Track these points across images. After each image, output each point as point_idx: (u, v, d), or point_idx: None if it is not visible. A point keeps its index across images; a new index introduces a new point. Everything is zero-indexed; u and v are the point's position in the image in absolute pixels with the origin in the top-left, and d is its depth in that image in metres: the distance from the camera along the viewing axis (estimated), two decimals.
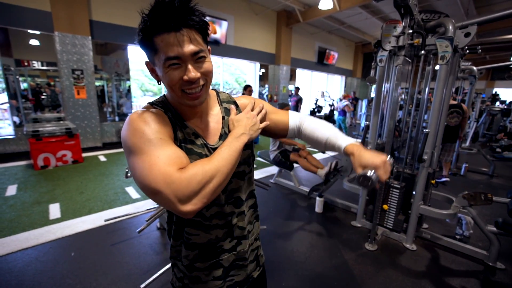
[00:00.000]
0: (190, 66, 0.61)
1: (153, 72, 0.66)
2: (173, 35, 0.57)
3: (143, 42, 0.61)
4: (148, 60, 0.66)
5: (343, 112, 8.57)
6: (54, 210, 2.86)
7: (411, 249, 2.37)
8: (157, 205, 2.53)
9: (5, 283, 1.82)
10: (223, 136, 0.75)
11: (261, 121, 0.80)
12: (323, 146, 0.82)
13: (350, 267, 2.12)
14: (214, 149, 0.71)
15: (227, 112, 0.79)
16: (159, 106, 0.69)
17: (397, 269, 2.12)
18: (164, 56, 0.59)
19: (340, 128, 8.22)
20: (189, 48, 0.59)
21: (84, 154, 5.02)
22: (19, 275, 1.89)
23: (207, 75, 0.65)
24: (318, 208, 3.08)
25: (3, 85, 5.03)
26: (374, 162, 0.67)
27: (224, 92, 0.85)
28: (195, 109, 0.72)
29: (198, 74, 0.62)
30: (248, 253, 0.84)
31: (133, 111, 7.16)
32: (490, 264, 2.17)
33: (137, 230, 2.26)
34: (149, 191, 0.56)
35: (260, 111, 0.80)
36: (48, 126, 4.37)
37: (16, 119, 5.06)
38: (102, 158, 5.00)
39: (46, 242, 2.30)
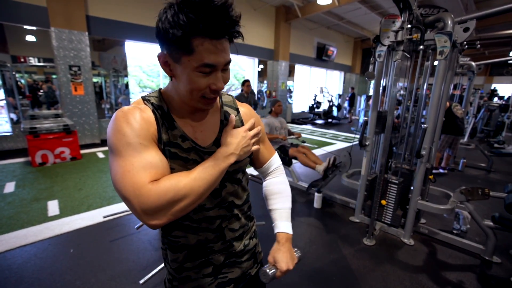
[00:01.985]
0: (219, 76, 0.60)
1: (166, 66, 0.61)
2: (215, 43, 0.55)
3: (176, 39, 0.54)
4: (165, 53, 0.59)
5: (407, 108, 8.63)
6: (53, 207, 2.86)
7: (409, 244, 2.39)
8: None
9: (4, 279, 1.82)
10: (217, 142, 0.71)
11: (255, 143, 0.75)
12: (268, 210, 0.87)
13: (349, 262, 2.14)
14: (205, 152, 0.69)
15: (227, 116, 0.76)
16: (150, 103, 0.66)
17: (395, 263, 2.14)
18: (201, 61, 0.56)
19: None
20: (225, 58, 0.58)
21: (82, 151, 5.00)
22: (19, 272, 1.90)
23: (226, 84, 0.65)
24: (317, 203, 3.09)
25: None
26: (281, 266, 0.77)
27: (228, 95, 0.81)
28: (191, 107, 0.68)
29: (224, 85, 0.62)
30: (242, 252, 0.83)
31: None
32: (487, 258, 2.20)
33: (136, 227, 2.28)
34: (120, 195, 0.56)
35: (257, 134, 0.74)
36: (46, 123, 4.35)
37: (13, 116, 5.04)
38: (101, 155, 4.99)
39: (45, 238, 2.30)
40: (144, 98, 0.67)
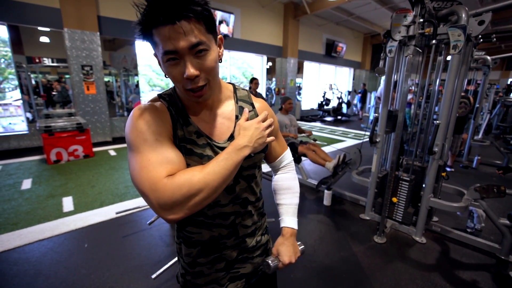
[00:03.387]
0: (188, 62, 0.56)
1: (160, 65, 0.63)
2: (169, 28, 0.53)
3: (145, 34, 0.57)
4: (153, 53, 0.62)
5: (409, 105, 8.51)
6: (68, 203, 2.95)
7: (421, 242, 2.35)
8: None
9: (23, 272, 1.89)
10: (232, 138, 0.71)
11: (269, 136, 0.74)
12: (276, 204, 0.90)
13: (359, 260, 2.12)
14: (221, 148, 0.69)
15: (241, 111, 0.75)
16: (166, 100, 0.67)
17: (406, 262, 2.11)
18: (161, 49, 0.56)
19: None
20: (186, 41, 0.54)
21: (95, 149, 5.12)
22: (37, 265, 1.97)
23: (208, 73, 0.60)
24: (326, 201, 3.07)
25: (16, 82, 5.14)
26: (284, 259, 0.79)
27: (243, 89, 0.80)
28: (204, 103, 0.69)
29: (197, 72, 0.57)
30: (255, 248, 0.84)
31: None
32: (503, 257, 2.14)
33: (148, 222, 2.32)
34: (138, 190, 0.58)
35: (270, 126, 0.72)
36: (60, 122, 4.47)
37: (29, 115, 5.19)
38: (112, 153, 5.09)
39: (60, 233, 2.38)
40: (160, 96, 0.69)
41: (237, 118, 0.73)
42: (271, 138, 0.73)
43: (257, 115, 0.77)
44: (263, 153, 0.78)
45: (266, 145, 0.73)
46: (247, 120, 0.71)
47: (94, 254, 2.12)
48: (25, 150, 5.06)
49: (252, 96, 0.82)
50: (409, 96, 8.19)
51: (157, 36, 0.55)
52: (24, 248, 2.16)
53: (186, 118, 0.67)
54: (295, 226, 0.85)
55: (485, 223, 2.50)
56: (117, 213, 2.67)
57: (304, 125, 9.30)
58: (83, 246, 2.22)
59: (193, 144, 0.66)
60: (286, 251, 0.80)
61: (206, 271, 0.77)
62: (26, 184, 3.45)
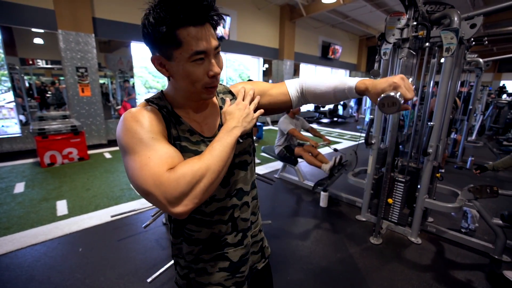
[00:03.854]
0: (213, 61, 0.61)
1: (163, 67, 0.63)
2: (200, 29, 0.57)
3: (161, 35, 0.56)
4: (157, 55, 0.61)
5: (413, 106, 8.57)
6: (62, 206, 2.91)
7: (416, 243, 2.37)
8: None
9: (15, 277, 1.86)
10: (220, 128, 0.72)
11: (257, 109, 0.74)
12: (333, 97, 0.78)
13: (355, 261, 2.13)
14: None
15: (223, 102, 0.79)
16: (154, 104, 0.68)
17: (402, 262, 2.12)
18: (191, 50, 0.57)
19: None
20: (214, 42, 0.60)
21: (90, 152, 5.07)
22: (29, 270, 1.94)
23: (222, 69, 0.66)
24: (323, 202, 3.08)
25: (8, 84, 5.08)
26: (393, 81, 0.63)
27: (220, 84, 0.81)
28: (195, 103, 0.70)
29: (220, 70, 0.64)
30: (250, 244, 0.84)
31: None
32: (496, 257, 2.16)
33: (143, 226, 2.30)
34: (141, 191, 0.56)
35: (253, 100, 0.74)
36: (54, 124, 4.41)
37: (22, 117, 5.13)
38: (108, 155, 5.05)
39: (54, 238, 2.34)
40: (148, 100, 0.69)
41: (221, 108, 0.77)
42: (260, 111, 0.75)
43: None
44: (251, 138, 0.80)
45: (251, 132, 0.76)
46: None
47: (89, 258, 2.09)
48: (18, 153, 4.99)
49: (230, 86, 0.84)
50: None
51: (185, 36, 0.57)
52: (16, 253, 2.13)
53: (177, 118, 0.68)
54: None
55: (479, 223, 2.53)
56: (112, 216, 2.65)
57: None
58: (78, 250, 2.19)
59: (188, 141, 0.68)
60: (387, 78, 0.65)
61: (209, 269, 0.77)
62: (19, 187, 3.40)
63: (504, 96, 9.77)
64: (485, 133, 7.34)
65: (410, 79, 0.65)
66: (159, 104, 0.68)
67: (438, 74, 2.26)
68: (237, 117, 0.68)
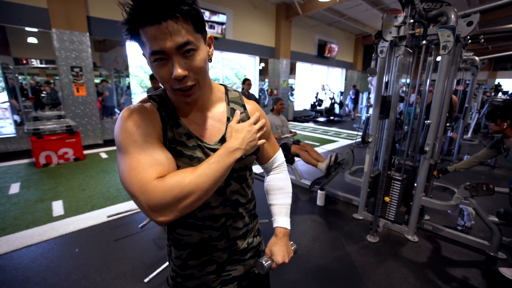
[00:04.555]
0: (176, 63, 0.55)
1: (148, 65, 0.62)
2: (155, 28, 0.52)
3: (132, 34, 0.56)
4: (143, 52, 0.60)
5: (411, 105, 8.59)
6: (57, 207, 2.88)
7: (413, 241, 2.38)
8: None
9: (11, 279, 1.84)
10: (223, 139, 0.70)
11: (260, 138, 0.74)
12: (268, 204, 0.90)
13: (352, 259, 2.13)
14: (212, 149, 0.68)
15: (233, 113, 0.74)
16: (156, 101, 0.66)
17: (399, 260, 2.13)
18: (149, 50, 0.55)
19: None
20: (173, 41, 0.53)
21: (85, 152, 5.02)
22: (25, 272, 1.91)
23: (197, 73, 0.59)
24: (320, 201, 3.08)
25: (2, 84, 5.02)
26: (277, 259, 0.78)
27: (235, 91, 0.80)
28: (194, 104, 0.68)
29: (185, 72, 0.56)
30: (246, 250, 0.83)
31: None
32: (492, 254, 2.18)
33: (140, 226, 2.28)
34: (127, 192, 0.57)
35: (262, 128, 0.73)
36: (49, 124, 4.36)
37: (16, 117, 5.07)
38: (103, 155, 5.01)
39: (50, 238, 2.32)
40: (150, 96, 0.68)
41: (228, 120, 0.73)
42: (263, 140, 0.73)
43: (248, 117, 0.76)
44: (255, 155, 0.77)
45: (257, 147, 0.73)
46: (239, 122, 0.71)
47: (85, 258, 2.08)
48: (13, 154, 4.93)
49: (244, 98, 0.81)
50: (413, 96, 8.33)
51: (144, 36, 0.54)
52: (11, 254, 2.10)
53: (176, 119, 0.66)
54: (288, 226, 0.85)
55: (475, 221, 2.55)
56: (108, 216, 2.62)
57: (297, 125, 9.34)
58: (74, 251, 2.17)
59: (183, 145, 0.65)
60: (279, 251, 0.80)
61: (196, 273, 0.76)
62: (14, 188, 3.36)
63: (500, 94, 9.86)
64: (480, 131, 7.40)
65: (293, 247, 0.86)
66: (160, 101, 0.66)
67: (435, 72, 2.26)
68: (242, 138, 0.66)
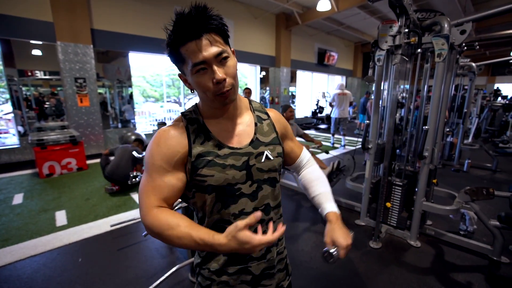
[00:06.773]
0: (215, 68, 0.64)
1: (186, 82, 0.71)
2: (195, 43, 0.62)
3: (172, 55, 0.66)
4: (179, 72, 0.71)
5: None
6: (61, 217, 2.90)
7: (416, 246, 2.38)
8: None
9: None
10: (254, 142, 0.76)
11: (284, 140, 0.88)
12: (311, 198, 0.91)
13: (355, 265, 2.13)
14: (242, 154, 0.73)
15: (259, 119, 0.82)
16: (187, 118, 0.74)
17: (402, 266, 2.13)
18: (191, 63, 0.63)
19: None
20: (211, 51, 0.63)
21: (89, 161, 5.07)
22: (28, 282, 1.92)
23: (233, 77, 0.68)
24: None
25: (7, 95, 5.10)
26: (341, 242, 0.77)
27: (255, 102, 0.88)
28: (225, 112, 0.74)
29: (224, 75, 0.65)
30: (276, 261, 0.82)
31: (135, 117, 7.00)
32: (495, 258, 2.17)
33: (143, 234, 2.30)
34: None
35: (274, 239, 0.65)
36: (53, 135, 4.42)
37: (20, 128, 5.14)
38: None
39: (53, 248, 2.34)
40: (183, 114, 0.75)
41: (256, 125, 0.80)
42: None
43: (273, 124, 0.84)
44: (281, 158, 0.81)
45: (282, 152, 0.82)
46: (265, 130, 0.81)
47: (89, 268, 2.09)
48: (16, 164, 4.98)
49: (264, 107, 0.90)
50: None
51: (185, 52, 0.63)
52: (15, 265, 2.12)
53: (207, 132, 0.73)
54: (338, 210, 0.85)
55: (477, 225, 2.54)
56: (112, 225, 2.64)
57: None
58: (77, 260, 2.18)
59: (215, 155, 0.71)
60: (340, 234, 0.78)
61: (231, 282, 0.76)
62: (18, 199, 3.39)
63: (499, 98, 9.89)
64: (481, 136, 7.40)
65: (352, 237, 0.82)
66: (192, 117, 0.74)
67: (432, 78, 2.31)
68: (242, 245, 0.60)
